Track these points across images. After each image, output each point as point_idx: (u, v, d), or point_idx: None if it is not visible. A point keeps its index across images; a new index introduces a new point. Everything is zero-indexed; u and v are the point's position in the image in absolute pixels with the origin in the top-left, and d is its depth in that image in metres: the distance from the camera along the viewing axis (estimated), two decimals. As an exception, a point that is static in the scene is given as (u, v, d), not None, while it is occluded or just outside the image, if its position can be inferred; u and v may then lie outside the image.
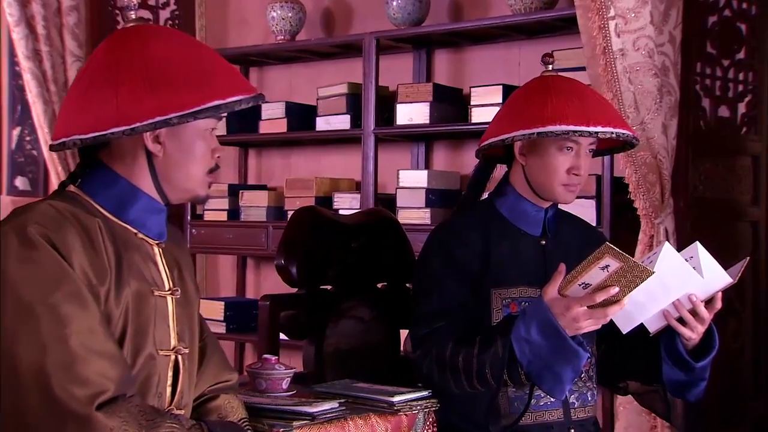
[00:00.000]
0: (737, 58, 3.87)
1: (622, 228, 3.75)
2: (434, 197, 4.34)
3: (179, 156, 1.99)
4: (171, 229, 2.14)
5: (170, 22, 5.04)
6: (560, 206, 2.71)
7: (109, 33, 2.09)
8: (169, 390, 2.01)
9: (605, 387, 2.72)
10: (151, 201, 2.01)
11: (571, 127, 2.45)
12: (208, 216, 5.02)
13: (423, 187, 4.34)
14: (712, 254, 2.39)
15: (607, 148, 2.76)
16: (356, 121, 4.57)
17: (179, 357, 2.02)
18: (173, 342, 2.01)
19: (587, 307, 2.24)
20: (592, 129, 2.46)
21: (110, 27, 4.75)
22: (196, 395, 2.14)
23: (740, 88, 3.89)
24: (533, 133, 2.48)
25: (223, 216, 4.96)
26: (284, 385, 2.45)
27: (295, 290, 2.86)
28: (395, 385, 2.52)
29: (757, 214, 3.98)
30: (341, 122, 4.63)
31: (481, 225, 2.63)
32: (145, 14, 4.95)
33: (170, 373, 2.00)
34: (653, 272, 2.16)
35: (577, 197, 3.82)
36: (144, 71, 1.90)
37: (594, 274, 2.17)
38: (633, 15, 3.37)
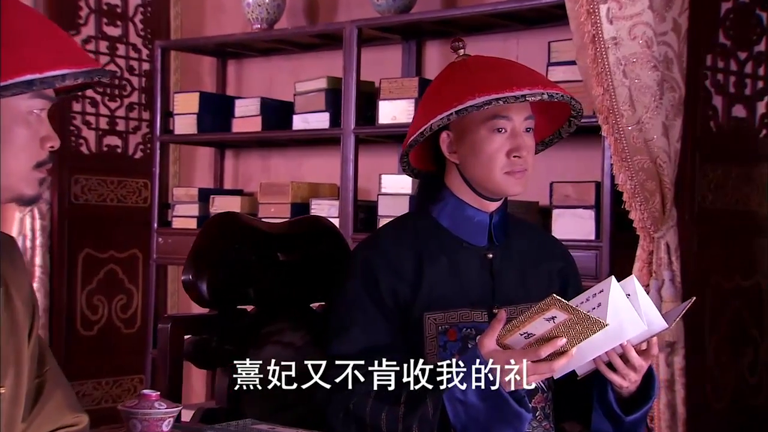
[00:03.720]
0: (756, 50, 3.56)
1: (624, 242, 3.37)
2: (419, 205, 3.91)
3: None
4: (1, 238, 1.72)
5: (141, 9, 4.69)
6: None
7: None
8: None
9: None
10: (-43, 202, 1.60)
11: (493, 96, 2.09)
12: (177, 223, 4.60)
13: (407, 194, 3.94)
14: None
15: (554, 133, 2.38)
16: (336, 119, 4.15)
17: (-11, 399, 1.61)
18: None
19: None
20: (517, 93, 2.10)
21: (70, 9, 4.38)
22: (27, 444, 1.73)
23: (759, 84, 3.58)
24: (451, 113, 2.12)
25: (192, 223, 4.54)
26: (164, 428, 2.04)
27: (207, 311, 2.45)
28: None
29: (777, 228, 3.63)
30: (319, 121, 4.20)
31: (414, 239, 2.26)
32: (114, -1, 4.61)
33: None
34: (606, 324, 1.88)
35: (574, 207, 3.53)
36: None
37: (538, 325, 1.90)
38: (629, -1, 2.97)
